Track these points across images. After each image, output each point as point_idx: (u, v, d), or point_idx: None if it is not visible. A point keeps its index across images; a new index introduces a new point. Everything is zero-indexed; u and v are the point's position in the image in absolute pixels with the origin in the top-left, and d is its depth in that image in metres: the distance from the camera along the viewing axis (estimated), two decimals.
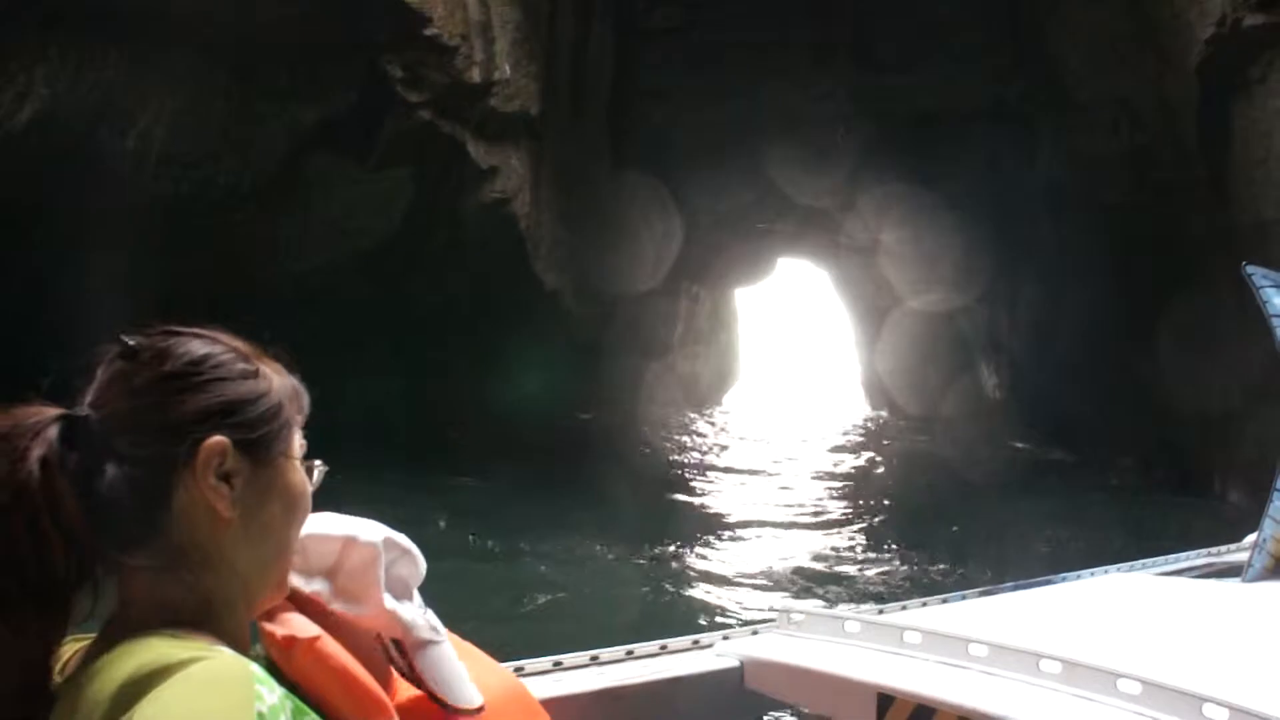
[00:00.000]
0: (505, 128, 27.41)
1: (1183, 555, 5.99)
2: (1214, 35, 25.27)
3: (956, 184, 33.94)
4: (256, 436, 1.79)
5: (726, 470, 32.20)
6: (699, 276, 40.91)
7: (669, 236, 36.70)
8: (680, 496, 27.49)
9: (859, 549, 22.97)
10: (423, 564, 2.18)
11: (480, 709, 2.15)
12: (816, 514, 26.63)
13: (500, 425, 28.75)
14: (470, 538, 20.24)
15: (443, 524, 20.98)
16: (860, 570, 21.32)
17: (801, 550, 22.53)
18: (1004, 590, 4.76)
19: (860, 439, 43.61)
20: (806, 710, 3.52)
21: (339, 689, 1.88)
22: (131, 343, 1.79)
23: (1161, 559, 5.82)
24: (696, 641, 3.63)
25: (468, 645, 2.38)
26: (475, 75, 25.90)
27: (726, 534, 23.85)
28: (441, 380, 28.54)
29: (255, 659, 1.69)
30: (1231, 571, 5.77)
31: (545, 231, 30.40)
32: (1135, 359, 28.07)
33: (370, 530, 2.10)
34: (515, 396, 29.78)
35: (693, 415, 44.08)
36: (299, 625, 1.92)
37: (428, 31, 24.41)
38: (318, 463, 1.93)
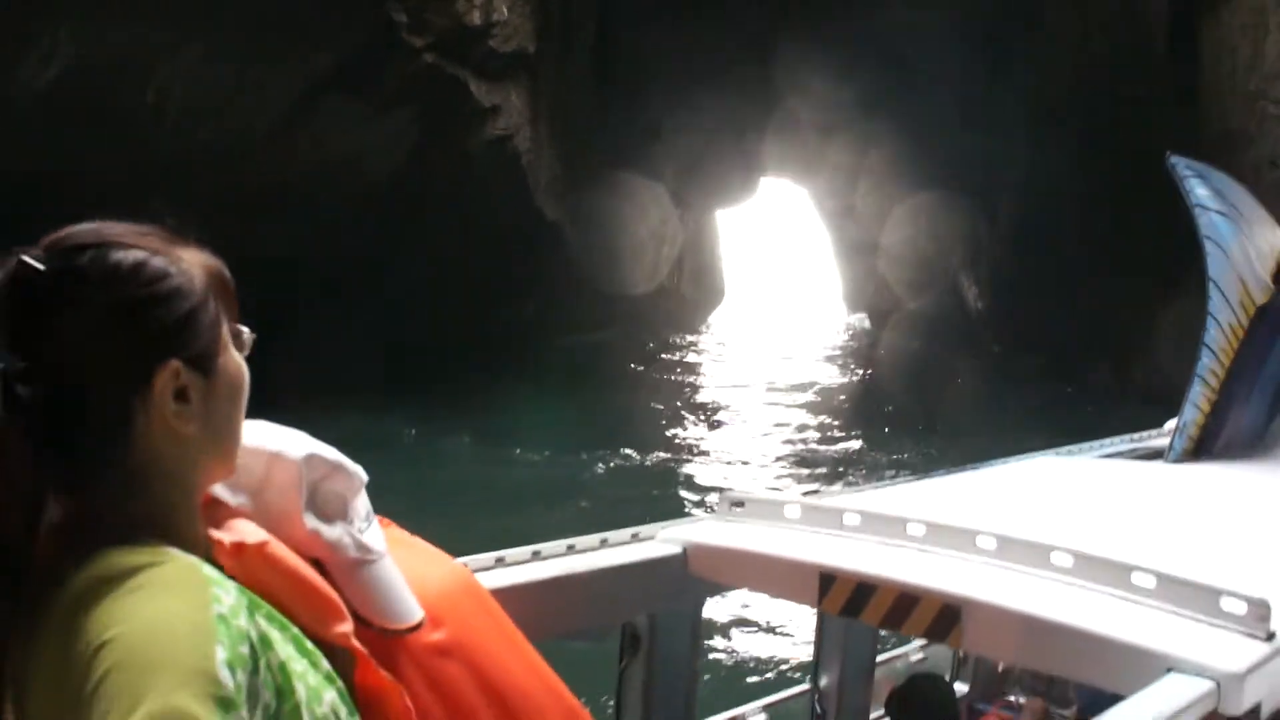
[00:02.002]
0: (505, 67, 27.61)
1: (1109, 441, 6.24)
2: None
3: (932, 99, 34.14)
4: (202, 347, 1.72)
5: (720, 386, 32.92)
6: (683, 199, 40.64)
7: (655, 163, 36.64)
8: (680, 408, 28.31)
9: (837, 441, 24.13)
10: (360, 477, 2.06)
11: (416, 625, 2.08)
12: (800, 414, 27.72)
13: (511, 346, 29.33)
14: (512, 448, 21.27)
15: (468, 439, 22.16)
16: (837, 458, 22.56)
17: (788, 444, 23.72)
18: (939, 474, 4.94)
19: (842, 350, 44.11)
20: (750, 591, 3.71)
21: (291, 591, 1.79)
22: (38, 265, 1.64)
23: (1090, 444, 6.05)
24: (635, 535, 3.58)
25: (417, 541, 2.33)
26: (475, 17, 26.25)
27: (716, 430, 25.14)
28: (455, 307, 28.75)
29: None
30: (1155, 455, 6.20)
31: (545, 166, 30.55)
32: (1109, 269, 28.59)
33: (296, 446, 2.00)
34: (522, 321, 30.43)
35: (685, 336, 43.86)
36: (247, 531, 1.83)
37: None
38: (245, 330, 1.82)
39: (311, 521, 1.98)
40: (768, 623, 11.76)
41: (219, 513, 1.88)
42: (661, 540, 3.56)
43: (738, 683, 10.17)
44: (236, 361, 1.80)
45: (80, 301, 1.63)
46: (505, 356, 28.63)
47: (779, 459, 22.87)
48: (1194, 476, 5.46)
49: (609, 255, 34.69)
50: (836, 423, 27.56)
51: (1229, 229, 6.29)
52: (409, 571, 2.15)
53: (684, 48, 34.32)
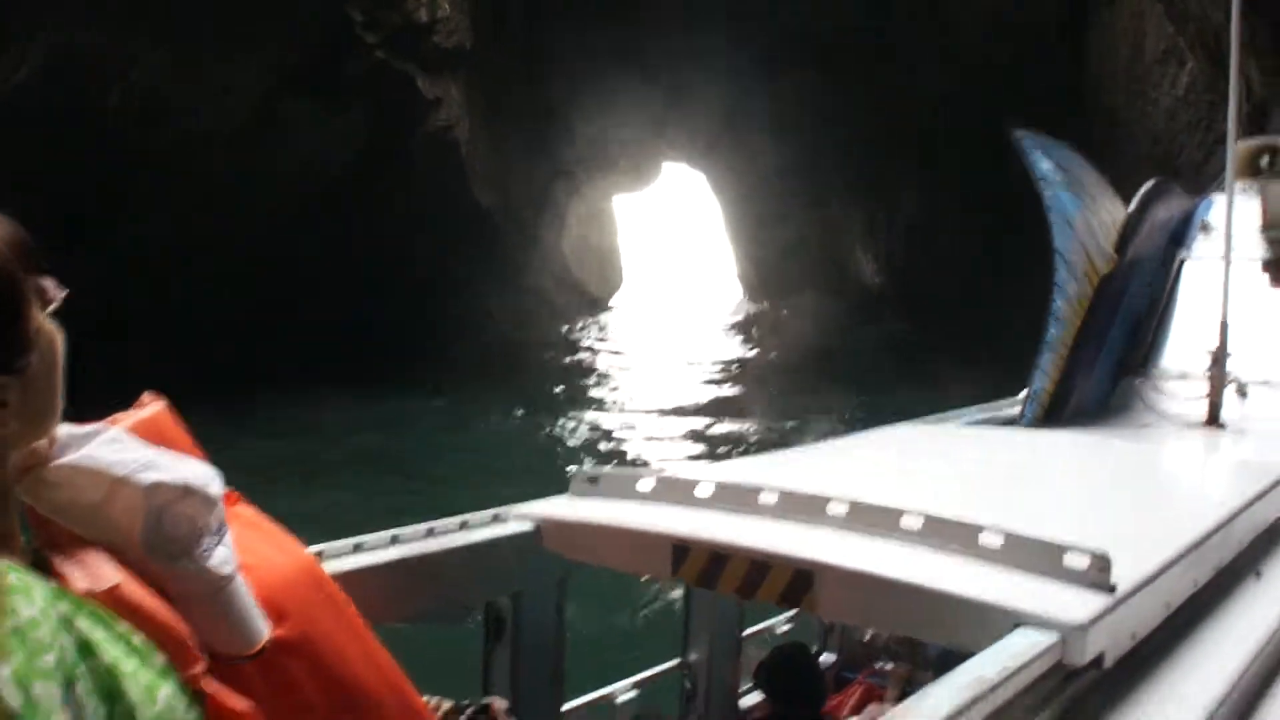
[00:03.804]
0: (445, 62, 27.45)
1: (967, 410, 6.05)
2: None
3: (842, 98, 33.64)
4: (17, 350, 1.47)
5: (620, 368, 32.27)
6: (587, 187, 40.10)
7: (564, 151, 36.39)
8: (586, 387, 27.92)
9: (739, 411, 23.72)
10: (211, 496, 1.79)
11: (260, 651, 1.87)
12: (698, 391, 27.15)
13: (449, 340, 28.77)
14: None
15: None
16: (740, 428, 22.15)
17: (696, 416, 23.34)
18: (794, 448, 4.76)
19: (740, 327, 42.98)
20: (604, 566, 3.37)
21: (143, 633, 1.58)
22: None
23: (949, 413, 5.87)
24: (497, 516, 3.35)
25: (265, 523, 2.12)
26: (423, 15, 26.29)
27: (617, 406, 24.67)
28: (398, 298, 28.27)
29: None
30: (1011, 422, 6.04)
31: (481, 156, 30.27)
32: (1001, 251, 28.42)
33: (141, 472, 1.73)
34: (456, 312, 29.82)
35: (589, 320, 42.74)
36: (98, 571, 1.64)
37: None
38: (50, 286, 1.54)
39: (154, 556, 1.73)
40: (635, 602, 11.40)
41: (60, 537, 1.66)
42: (516, 518, 3.32)
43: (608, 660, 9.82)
44: (49, 333, 1.53)
45: None
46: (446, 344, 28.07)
47: (689, 432, 22.56)
48: (1043, 441, 5.31)
49: (534, 243, 34.37)
50: (735, 392, 27.32)
51: (1073, 202, 6.14)
52: (254, 559, 1.95)
53: (596, 40, 33.80)
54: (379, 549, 2.94)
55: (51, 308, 1.54)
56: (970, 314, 29.89)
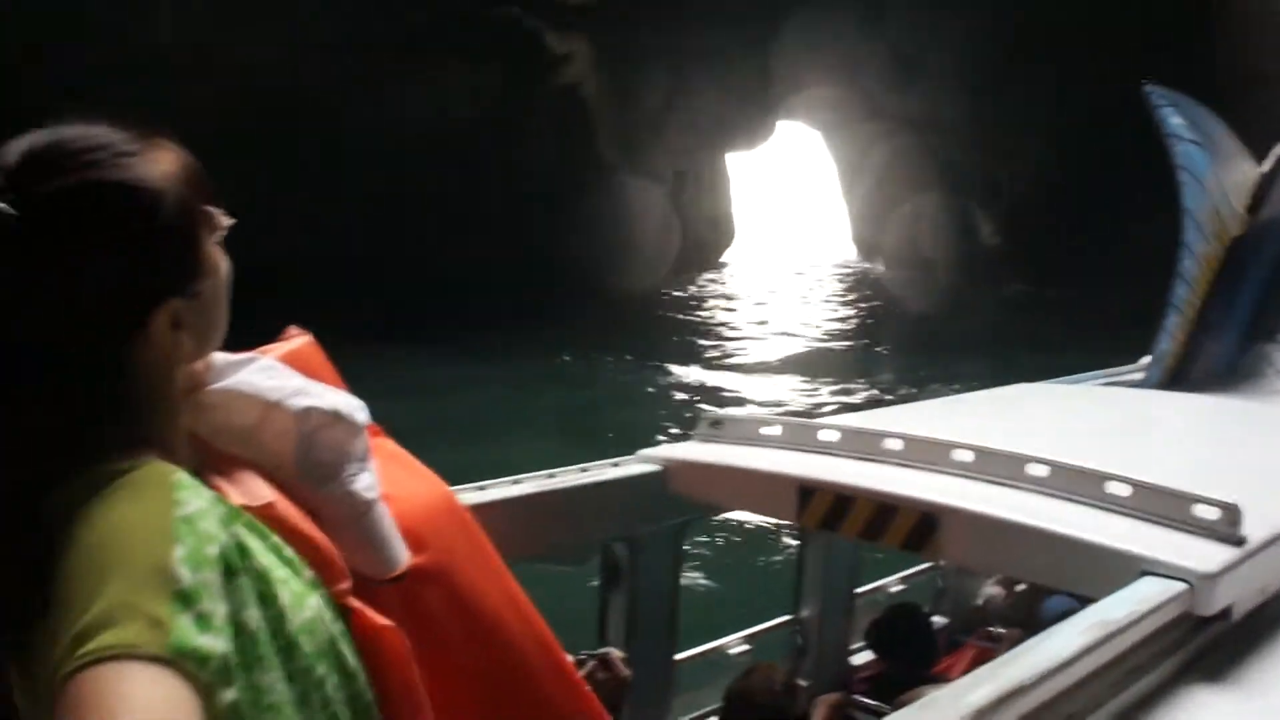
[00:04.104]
0: (574, 17, 27.51)
1: (1088, 375, 5.87)
2: None
3: (955, 48, 32.93)
4: (196, 274, 1.53)
5: (734, 326, 31.62)
6: (706, 142, 39.78)
7: (679, 110, 36.06)
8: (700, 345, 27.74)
9: (852, 378, 23.17)
10: (357, 423, 1.85)
11: (401, 575, 1.90)
12: (807, 353, 26.69)
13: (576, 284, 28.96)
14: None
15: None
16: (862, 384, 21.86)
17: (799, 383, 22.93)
18: (916, 403, 4.72)
19: (855, 290, 41.95)
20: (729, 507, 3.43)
21: (293, 548, 1.65)
22: (9, 210, 1.38)
23: (1070, 377, 5.70)
24: (616, 464, 3.32)
25: (405, 456, 2.15)
26: None
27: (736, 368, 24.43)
28: (514, 251, 28.41)
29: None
30: (1136, 387, 5.82)
31: (607, 112, 30.26)
32: (1126, 203, 27.64)
33: (293, 397, 1.79)
34: (587, 262, 29.93)
35: (704, 276, 42.25)
36: (252, 488, 1.68)
37: None
38: (220, 215, 1.60)
39: (304, 478, 1.78)
40: (750, 559, 11.33)
41: (216, 458, 1.71)
42: (640, 459, 3.34)
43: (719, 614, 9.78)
44: (217, 260, 1.59)
45: (67, 243, 1.40)
46: (564, 293, 28.21)
47: (798, 392, 22.15)
48: (1169, 401, 5.16)
49: (655, 198, 34.23)
50: (844, 354, 26.75)
51: (1204, 159, 5.90)
52: (395, 489, 1.99)
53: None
54: (504, 486, 2.95)
55: (218, 235, 1.59)
56: (1096, 277, 29.18)
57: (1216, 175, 5.91)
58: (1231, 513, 2.50)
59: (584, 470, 3.22)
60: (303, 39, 23.57)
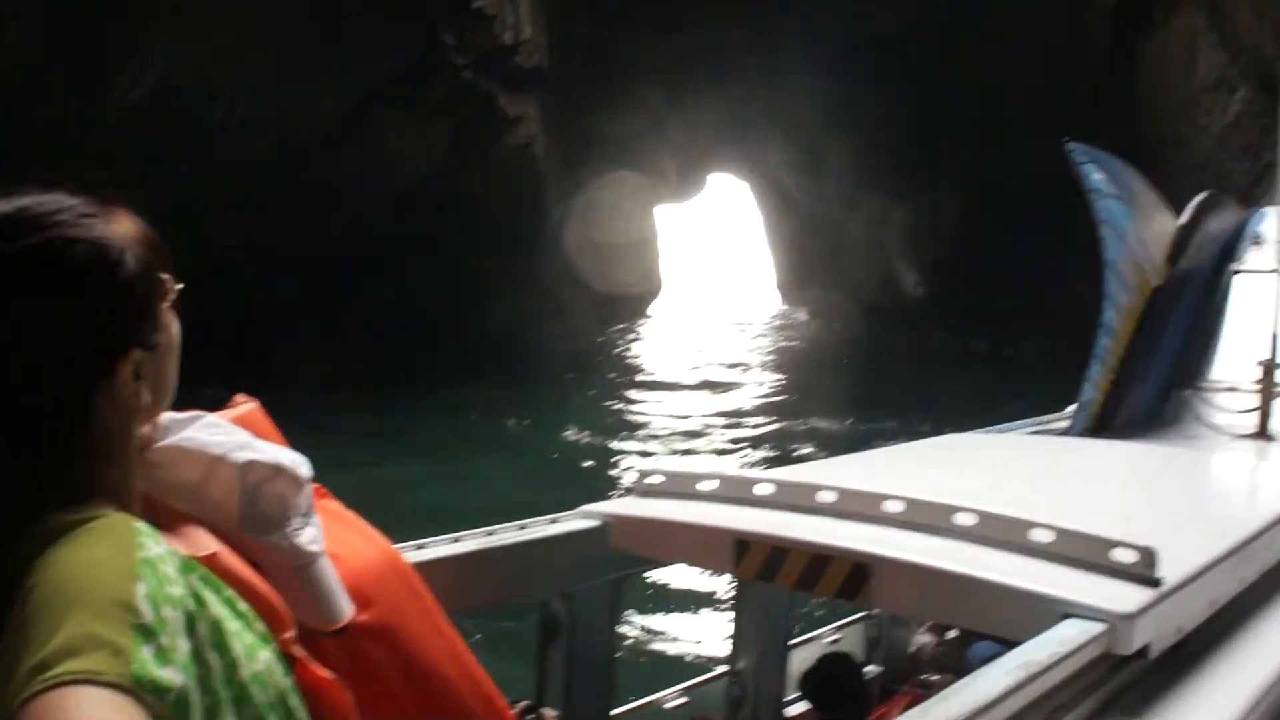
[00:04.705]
0: (526, 81, 27.51)
1: (1015, 424, 5.88)
2: None
3: (883, 102, 32.98)
4: (154, 328, 1.56)
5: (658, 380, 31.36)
6: (637, 197, 39.58)
7: (619, 162, 35.90)
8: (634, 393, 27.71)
9: (783, 422, 23.19)
10: (300, 476, 1.85)
11: (345, 627, 1.91)
12: (732, 400, 26.69)
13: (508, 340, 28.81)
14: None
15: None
16: (781, 434, 21.75)
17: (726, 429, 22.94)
18: (848, 454, 4.70)
19: (778, 335, 42.05)
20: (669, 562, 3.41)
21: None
22: None
23: (998, 426, 5.71)
24: (555, 520, 3.32)
25: (350, 516, 2.16)
26: (507, 38, 26.34)
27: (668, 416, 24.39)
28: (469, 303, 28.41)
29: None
30: (1061, 435, 5.80)
31: (555, 170, 30.24)
32: (1051, 258, 27.88)
33: (235, 451, 1.80)
34: (520, 315, 29.89)
35: (631, 324, 41.81)
36: (197, 540, 1.67)
37: (476, 4, 25.07)
38: (170, 281, 1.62)
39: (248, 530, 1.79)
40: (687, 612, 11.21)
41: (163, 514, 1.69)
42: (581, 514, 3.32)
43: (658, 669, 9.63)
44: (171, 323, 1.63)
45: (37, 295, 1.43)
46: (501, 350, 27.93)
47: (731, 442, 22.18)
48: (1093, 448, 5.15)
49: (595, 251, 34.20)
50: (779, 399, 26.79)
51: (1124, 213, 5.90)
52: (341, 549, 2.00)
53: (652, 53, 33.39)
54: (445, 545, 2.93)
55: (170, 299, 1.61)
56: (1019, 325, 29.39)
57: (1137, 228, 5.92)
58: (1148, 555, 2.52)
59: (523, 527, 3.21)
60: (264, 98, 23.54)
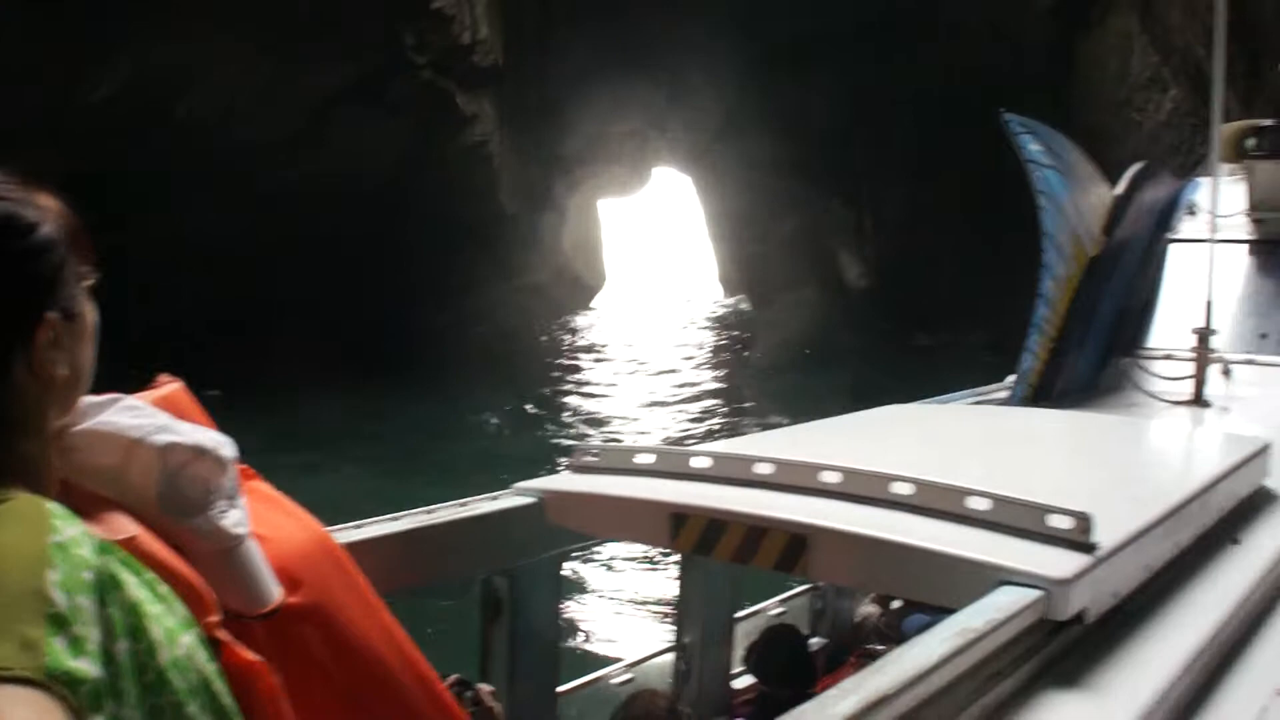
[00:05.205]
0: (482, 80, 27.41)
1: (956, 394, 5.88)
2: None
3: (827, 96, 32.90)
4: (70, 295, 1.53)
5: (600, 368, 31.48)
6: (583, 190, 39.22)
7: (569, 159, 36.03)
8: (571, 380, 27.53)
9: (718, 413, 23.09)
10: (223, 458, 1.80)
11: (274, 610, 1.86)
12: (677, 389, 26.56)
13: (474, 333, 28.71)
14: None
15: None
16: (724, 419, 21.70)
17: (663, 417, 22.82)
18: (788, 427, 4.57)
19: (719, 327, 41.74)
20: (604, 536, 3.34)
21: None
22: None
23: (940, 398, 5.69)
24: (495, 498, 3.25)
25: (279, 498, 2.11)
26: (465, 38, 26.25)
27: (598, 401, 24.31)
28: (415, 299, 28.14)
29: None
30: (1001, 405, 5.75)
31: (510, 166, 30.11)
32: (996, 250, 27.97)
33: (156, 434, 1.75)
34: (474, 310, 29.81)
35: (574, 319, 41.50)
36: (116, 523, 1.63)
37: (435, 5, 24.93)
38: (90, 272, 1.61)
39: (169, 513, 1.73)
40: (636, 587, 11.09)
41: (81, 498, 1.63)
42: (517, 491, 3.22)
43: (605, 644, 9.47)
44: (89, 309, 1.60)
45: None
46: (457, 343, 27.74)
47: (680, 429, 22.20)
48: (1030, 416, 5.07)
49: (551, 245, 34.19)
50: (719, 391, 26.72)
51: (1061, 184, 5.79)
52: (269, 529, 1.95)
53: (599, 47, 33.02)
54: (382, 523, 2.85)
55: (87, 283, 1.58)
56: (964, 319, 29.43)
57: (1074, 199, 5.80)
58: (1084, 521, 2.48)
59: (463, 505, 3.12)
60: (227, 98, 23.34)
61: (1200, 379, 5.71)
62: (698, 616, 4.46)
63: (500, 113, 28.79)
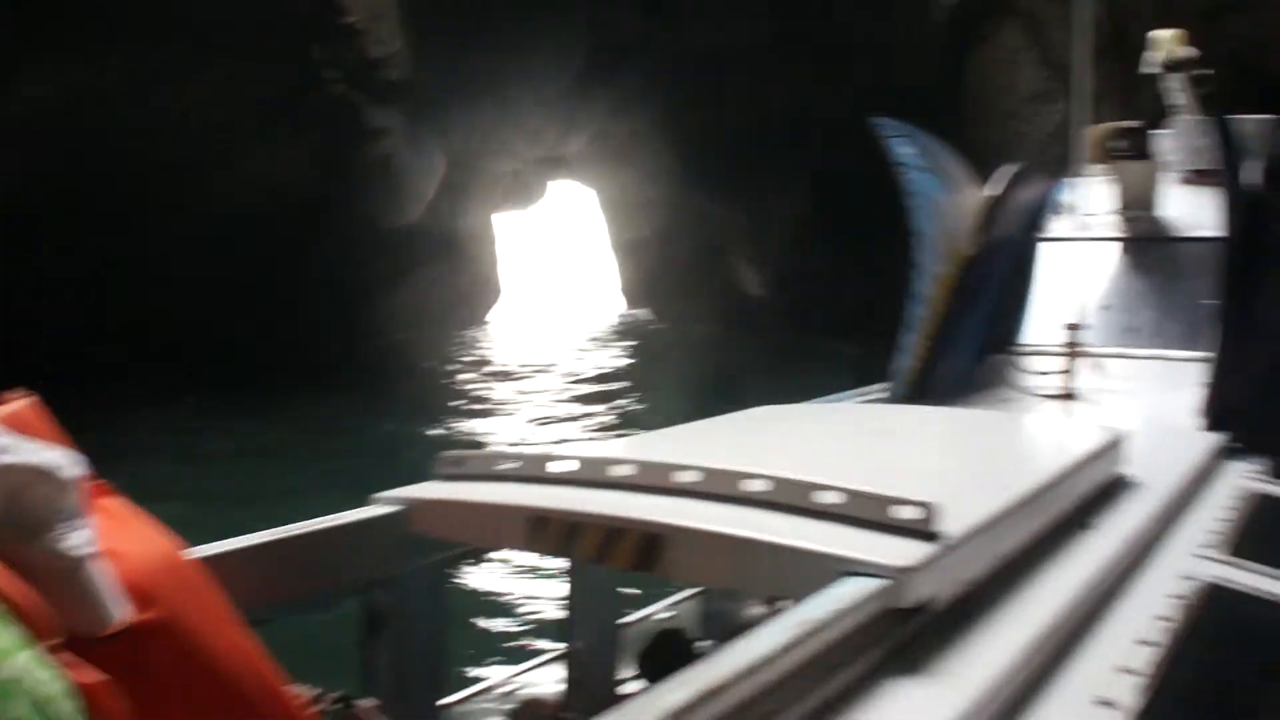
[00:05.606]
0: (390, 93, 27.12)
1: (840, 395, 5.86)
2: (955, 4, 27.85)
3: (726, 109, 32.83)
4: None
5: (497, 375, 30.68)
6: (481, 203, 38.93)
7: (467, 172, 35.50)
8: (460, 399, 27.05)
9: (618, 427, 22.41)
10: (66, 479, 1.73)
11: (119, 632, 1.79)
12: (566, 406, 25.98)
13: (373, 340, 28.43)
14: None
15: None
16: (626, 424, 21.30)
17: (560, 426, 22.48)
18: (656, 430, 4.53)
19: (619, 341, 40.19)
20: (467, 543, 3.25)
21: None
22: None
23: (822, 398, 5.66)
24: (359, 510, 3.17)
25: (131, 514, 2.03)
26: (375, 52, 26.08)
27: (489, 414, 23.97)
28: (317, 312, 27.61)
29: None
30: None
31: (415, 178, 29.81)
32: (895, 257, 28.29)
33: None
34: (387, 313, 29.63)
35: (473, 331, 40.00)
36: None
37: (347, 20, 24.76)
38: None
39: (7, 535, 1.67)
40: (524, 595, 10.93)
41: None
42: (379, 501, 3.12)
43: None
44: None
45: None
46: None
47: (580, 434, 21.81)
48: (900, 414, 5.06)
49: (451, 257, 33.93)
50: (619, 401, 26.06)
51: (934, 185, 5.79)
52: (119, 546, 1.87)
53: (499, 60, 32.28)
54: (242, 539, 2.77)
55: None
56: (865, 322, 29.67)
57: (948, 199, 5.79)
58: (928, 511, 2.46)
59: (327, 518, 3.03)
60: (143, 111, 22.82)
61: (1069, 373, 5.73)
62: (585, 623, 4.36)
63: (408, 126, 28.57)
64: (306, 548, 2.89)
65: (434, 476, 3.28)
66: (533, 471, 3.12)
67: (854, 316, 30.10)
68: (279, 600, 2.81)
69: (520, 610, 10.48)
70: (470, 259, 37.70)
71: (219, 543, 2.64)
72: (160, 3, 21.22)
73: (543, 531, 2.88)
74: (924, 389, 5.68)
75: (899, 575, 2.29)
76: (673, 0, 31.83)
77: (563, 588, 4.39)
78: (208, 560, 2.20)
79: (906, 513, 2.49)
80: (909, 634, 2.37)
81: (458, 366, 31.46)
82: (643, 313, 44.78)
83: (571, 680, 4.36)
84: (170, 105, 23.03)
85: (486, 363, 32.97)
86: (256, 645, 2.06)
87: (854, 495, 2.57)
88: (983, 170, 6.41)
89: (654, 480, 2.91)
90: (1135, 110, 7.28)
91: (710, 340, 33.29)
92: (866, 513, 2.53)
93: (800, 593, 2.32)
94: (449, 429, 21.75)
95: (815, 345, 30.10)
